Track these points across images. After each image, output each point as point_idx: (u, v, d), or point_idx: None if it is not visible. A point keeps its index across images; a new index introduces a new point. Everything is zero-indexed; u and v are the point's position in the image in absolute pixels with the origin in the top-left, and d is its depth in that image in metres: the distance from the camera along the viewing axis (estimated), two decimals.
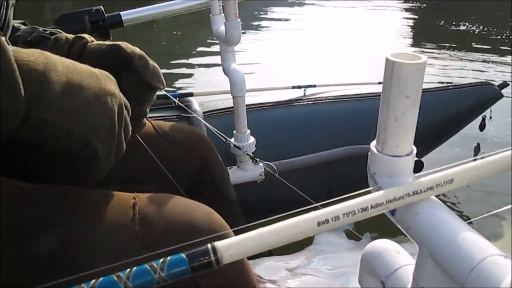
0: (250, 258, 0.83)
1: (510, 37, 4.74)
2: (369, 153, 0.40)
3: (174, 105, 1.28)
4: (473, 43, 4.38)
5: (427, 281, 0.36)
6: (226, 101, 1.34)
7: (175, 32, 5.13)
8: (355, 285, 0.94)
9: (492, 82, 1.62)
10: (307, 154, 1.26)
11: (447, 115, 1.47)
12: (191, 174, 0.82)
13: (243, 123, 1.13)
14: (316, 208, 0.34)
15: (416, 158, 0.38)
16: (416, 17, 6.64)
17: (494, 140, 2.01)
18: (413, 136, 0.37)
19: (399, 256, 0.45)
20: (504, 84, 1.62)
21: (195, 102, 1.29)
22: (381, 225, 1.31)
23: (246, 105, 1.12)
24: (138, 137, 0.70)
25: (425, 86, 1.43)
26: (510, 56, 3.82)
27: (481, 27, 5.26)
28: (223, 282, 0.53)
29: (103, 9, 1.12)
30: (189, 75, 3.35)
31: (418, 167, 0.40)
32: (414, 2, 7.92)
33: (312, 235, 0.67)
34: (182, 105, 1.09)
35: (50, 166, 0.51)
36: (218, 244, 0.32)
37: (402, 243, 0.47)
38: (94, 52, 0.65)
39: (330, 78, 1.74)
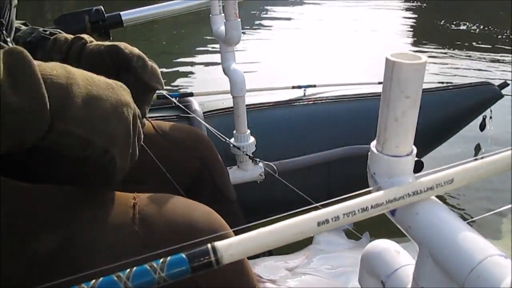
0: (249, 258, 0.83)
1: (511, 36, 4.74)
2: (369, 153, 0.40)
3: (174, 105, 1.28)
4: (473, 43, 4.37)
5: (427, 281, 0.36)
6: (226, 101, 1.34)
7: (175, 32, 5.13)
8: (355, 285, 0.94)
9: (492, 82, 1.62)
10: (307, 154, 1.26)
11: (447, 115, 1.47)
12: (191, 174, 0.82)
13: (243, 123, 1.13)
14: (316, 208, 0.34)
15: (416, 158, 0.38)
16: (417, 16, 6.64)
17: (495, 140, 2.00)
18: (413, 136, 0.37)
19: (399, 256, 0.45)
20: (504, 84, 1.62)
21: (195, 102, 1.29)
22: (381, 225, 1.31)
23: (246, 105, 1.12)
24: None
25: (425, 86, 1.43)
26: (510, 56, 3.82)
27: (481, 27, 5.26)
28: (223, 282, 0.53)
29: (103, 9, 1.12)
30: (189, 75, 3.35)
31: (418, 167, 0.40)
32: (415, 2, 7.93)
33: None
34: (181, 106, 1.09)
35: (65, 171, 0.53)
36: (218, 244, 0.32)
37: (402, 243, 0.47)
38: (93, 53, 0.65)
39: (330, 78, 1.74)
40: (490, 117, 1.75)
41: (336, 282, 0.97)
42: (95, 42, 0.68)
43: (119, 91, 0.50)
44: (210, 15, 1.19)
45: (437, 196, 0.38)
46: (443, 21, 5.71)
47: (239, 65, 1.13)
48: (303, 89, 1.44)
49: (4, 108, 0.38)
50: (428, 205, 0.37)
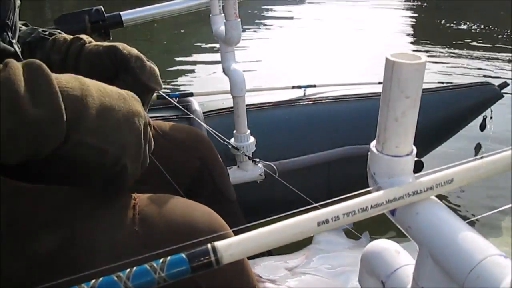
0: (249, 258, 0.83)
1: (511, 36, 4.74)
2: (369, 153, 0.40)
3: (174, 105, 1.28)
4: (474, 42, 4.37)
5: (427, 281, 0.36)
6: (226, 101, 1.34)
7: (176, 32, 5.13)
8: (355, 284, 0.94)
9: (492, 82, 1.62)
10: (307, 154, 1.26)
11: (447, 115, 1.47)
12: (191, 174, 0.82)
13: (243, 123, 1.13)
14: (316, 208, 0.34)
15: (416, 158, 0.38)
16: (417, 15, 6.64)
17: (495, 139, 2.00)
18: (413, 136, 0.37)
19: (399, 256, 0.45)
20: (504, 84, 1.62)
21: (195, 102, 1.29)
22: (380, 225, 1.31)
23: (246, 105, 1.12)
24: None
25: (425, 86, 1.44)
26: (511, 55, 3.82)
27: (482, 26, 5.25)
28: (223, 282, 0.53)
29: (103, 9, 1.12)
30: (190, 75, 3.35)
31: (418, 167, 0.40)
32: (415, 1, 7.92)
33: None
34: (180, 106, 1.09)
35: (73, 176, 0.54)
36: (218, 244, 0.32)
37: (402, 243, 0.47)
38: (91, 53, 0.65)
39: (330, 78, 1.74)
40: (491, 117, 1.75)
41: (335, 281, 0.97)
42: (93, 43, 0.68)
43: (130, 101, 0.51)
44: (210, 15, 1.19)
45: (437, 196, 0.38)
46: (443, 21, 5.71)
47: (239, 64, 1.13)
48: (303, 89, 1.44)
49: (24, 120, 0.39)
50: (428, 205, 0.37)
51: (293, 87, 1.47)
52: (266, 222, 0.34)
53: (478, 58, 3.75)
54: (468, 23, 5.41)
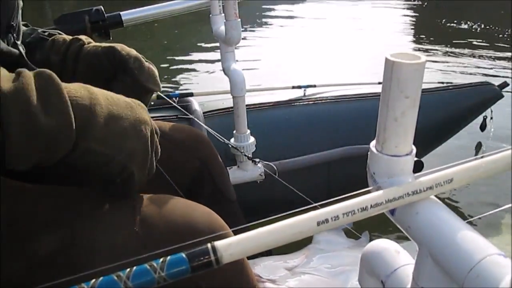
0: (249, 257, 0.83)
1: None
2: (368, 153, 0.40)
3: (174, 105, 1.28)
4: (474, 42, 4.37)
5: (427, 280, 0.36)
6: (226, 101, 1.34)
7: (176, 31, 5.13)
8: (354, 284, 0.94)
9: (493, 82, 1.62)
10: (307, 154, 1.26)
11: (447, 115, 1.47)
12: (191, 174, 0.82)
13: (243, 123, 1.13)
14: (315, 208, 0.34)
15: (416, 158, 0.38)
16: (417, 15, 6.64)
17: (495, 139, 2.00)
18: (412, 136, 0.37)
19: (399, 256, 0.45)
20: (504, 84, 1.62)
21: (195, 102, 1.29)
22: (380, 225, 1.31)
23: (246, 105, 1.12)
24: None
25: (425, 86, 1.44)
26: (511, 55, 3.82)
27: (482, 26, 5.25)
28: (223, 282, 0.53)
29: (103, 9, 1.12)
30: (190, 74, 3.35)
31: (418, 167, 0.40)
32: (416, 0, 7.92)
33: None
34: (180, 108, 1.09)
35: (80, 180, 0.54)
36: (218, 243, 0.32)
37: (401, 243, 0.47)
38: (90, 54, 0.66)
39: (330, 78, 1.74)
40: (491, 118, 1.75)
41: (335, 281, 0.97)
42: (92, 43, 0.68)
43: (137, 109, 0.51)
44: (210, 15, 1.19)
45: (437, 195, 0.38)
46: (444, 20, 5.71)
47: (239, 63, 1.13)
48: (303, 89, 1.44)
49: (35, 129, 0.40)
50: (427, 205, 0.37)
51: (293, 87, 1.47)
52: (266, 222, 0.34)
53: (478, 57, 3.75)
54: (468, 23, 5.41)
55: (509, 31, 4.91)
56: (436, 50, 4.07)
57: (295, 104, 1.36)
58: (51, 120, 0.41)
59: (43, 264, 0.47)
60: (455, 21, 5.52)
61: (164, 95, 1.18)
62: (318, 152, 1.27)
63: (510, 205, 0.43)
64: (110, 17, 1.14)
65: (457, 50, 4.01)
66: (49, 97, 0.42)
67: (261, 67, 3.40)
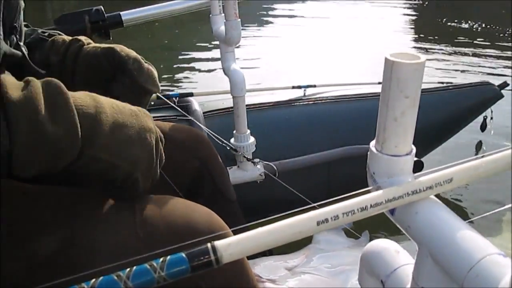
0: (249, 257, 0.82)
1: None
2: (368, 152, 0.40)
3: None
4: (475, 41, 4.37)
5: (427, 280, 0.36)
6: (226, 101, 1.34)
7: (177, 31, 5.13)
8: (354, 283, 0.94)
9: (493, 81, 1.62)
10: (307, 154, 1.26)
11: (447, 115, 1.47)
12: (191, 174, 0.82)
13: (243, 123, 1.13)
14: (314, 208, 0.34)
15: (416, 158, 0.38)
16: (418, 14, 6.64)
17: (495, 139, 2.00)
18: (412, 135, 0.37)
19: (399, 256, 0.45)
20: (504, 84, 1.62)
21: (195, 102, 1.29)
22: (380, 224, 1.31)
23: (246, 105, 1.12)
24: None
25: (425, 86, 1.44)
26: (511, 54, 3.82)
27: (483, 25, 5.25)
28: (223, 282, 0.53)
29: (103, 9, 1.12)
30: (190, 74, 3.35)
31: (418, 167, 0.40)
32: (416, 0, 7.91)
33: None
34: (178, 108, 1.09)
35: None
36: (218, 243, 0.32)
37: (401, 243, 0.47)
38: (89, 55, 0.66)
39: (330, 78, 1.74)
40: (491, 118, 1.75)
41: (335, 281, 0.97)
42: (92, 44, 0.68)
43: (142, 117, 0.52)
44: (210, 15, 1.19)
45: (437, 195, 0.38)
46: (444, 19, 5.70)
47: (239, 62, 1.13)
48: (303, 89, 1.44)
49: (42, 138, 0.41)
50: (427, 205, 0.37)
51: (293, 87, 1.47)
52: (266, 222, 0.34)
53: (479, 57, 3.75)
54: (469, 22, 5.40)
55: (510, 30, 4.90)
56: (437, 49, 4.07)
57: (295, 104, 1.36)
58: (58, 129, 0.42)
59: (43, 264, 0.47)
60: (456, 21, 5.52)
61: (164, 95, 1.18)
62: (318, 152, 1.27)
63: (510, 205, 0.43)
64: (110, 17, 1.14)
65: (457, 50, 4.00)
66: (57, 107, 0.42)
67: (261, 67, 3.40)
